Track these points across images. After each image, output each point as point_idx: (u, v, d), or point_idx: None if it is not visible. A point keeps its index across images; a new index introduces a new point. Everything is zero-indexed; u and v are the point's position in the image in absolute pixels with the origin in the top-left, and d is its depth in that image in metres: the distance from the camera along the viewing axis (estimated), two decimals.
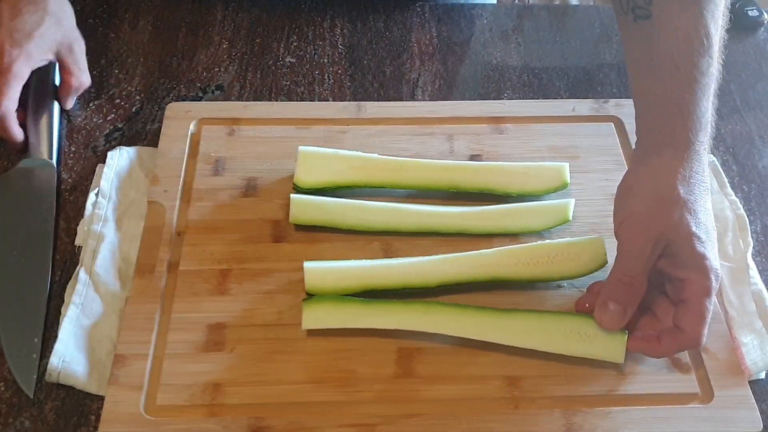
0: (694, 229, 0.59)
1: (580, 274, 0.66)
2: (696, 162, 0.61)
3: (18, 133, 0.74)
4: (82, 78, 0.80)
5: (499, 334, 0.62)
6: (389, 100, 0.85)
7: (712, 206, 0.62)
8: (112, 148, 0.77)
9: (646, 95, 0.63)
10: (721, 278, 0.59)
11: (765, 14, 0.98)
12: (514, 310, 0.63)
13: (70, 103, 0.80)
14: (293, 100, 0.85)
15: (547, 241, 0.69)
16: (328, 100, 0.85)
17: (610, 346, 0.61)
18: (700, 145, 0.62)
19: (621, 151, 0.79)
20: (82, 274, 0.66)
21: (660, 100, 0.62)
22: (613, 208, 0.63)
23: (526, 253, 0.66)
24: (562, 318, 0.62)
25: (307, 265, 0.65)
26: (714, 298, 0.59)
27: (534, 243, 0.68)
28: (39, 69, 0.77)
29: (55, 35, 0.76)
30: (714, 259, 0.59)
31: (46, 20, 0.75)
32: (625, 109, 0.82)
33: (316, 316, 0.62)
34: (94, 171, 0.75)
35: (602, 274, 0.66)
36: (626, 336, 0.61)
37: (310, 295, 0.64)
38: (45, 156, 0.75)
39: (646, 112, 0.63)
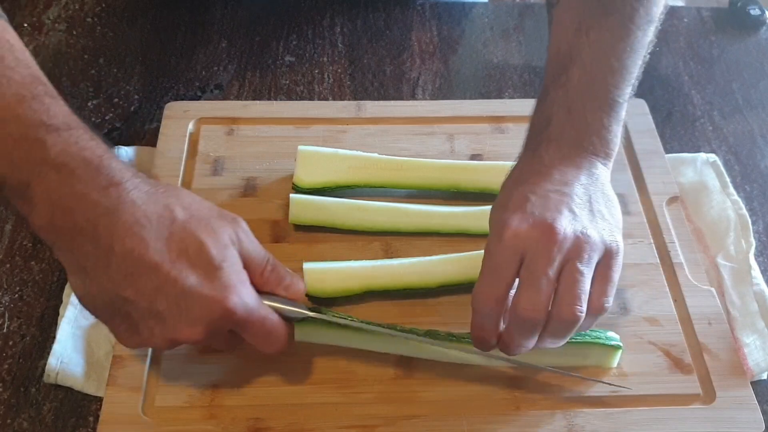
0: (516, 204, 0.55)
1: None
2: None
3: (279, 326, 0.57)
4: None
5: (495, 361, 0.61)
6: (389, 100, 0.85)
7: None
8: (111, 147, 0.76)
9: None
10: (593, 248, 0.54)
11: (767, 13, 0.97)
12: None
13: None
14: (293, 100, 0.84)
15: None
16: (327, 100, 0.85)
17: (604, 360, 0.61)
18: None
19: (623, 150, 0.78)
20: None
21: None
22: None
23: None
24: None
25: (307, 266, 0.65)
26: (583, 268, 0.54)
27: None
28: None
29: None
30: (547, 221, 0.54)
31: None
32: (627, 108, 0.82)
33: (306, 332, 0.60)
34: None
35: None
36: (620, 351, 0.61)
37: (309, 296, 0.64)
38: None
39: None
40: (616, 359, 0.61)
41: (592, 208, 0.57)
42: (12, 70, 0.49)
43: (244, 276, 0.53)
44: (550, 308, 0.53)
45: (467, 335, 0.58)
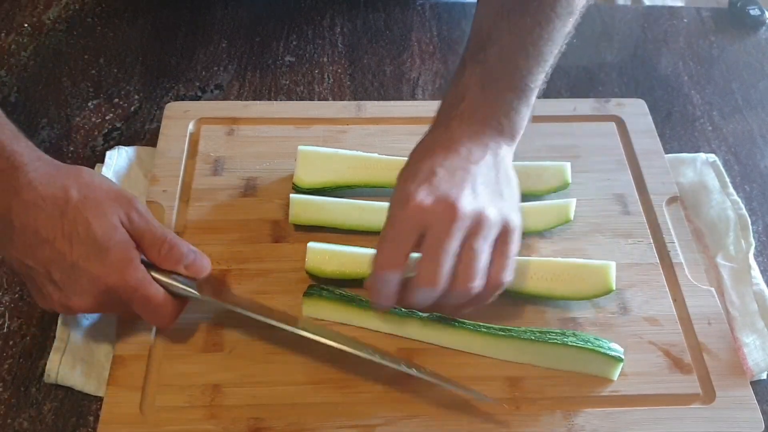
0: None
1: (582, 297, 0.65)
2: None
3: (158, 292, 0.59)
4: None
5: (494, 352, 0.62)
6: (389, 100, 0.85)
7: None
8: (111, 147, 0.76)
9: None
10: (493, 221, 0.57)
11: (766, 13, 0.97)
12: (508, 330, 0.62)
13: None
14: (293, 100, 0.84)
15: (555, 258, 0.67)
16: (327, 100, 0.85)
17: (606, 370, 0.61)
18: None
19: (622, 150, 0.79)
20: None
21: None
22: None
23: (531, 267, 0.66)
24: (557, 347, 0.61)
25: (311, 245, 0.66)
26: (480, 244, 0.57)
27: (541, 258, 0.67)
28: None
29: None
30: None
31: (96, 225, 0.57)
32: (627, 108, 0.82)
33: (316, 307, 0.63)
34: None
35: (605, 302, 0.66)
36: (622, 363, 0.60)
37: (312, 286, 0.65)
38: None
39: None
40: (617, 371, 0.61)
41: (494, 188, 0.60)
42: None
43: (132, 254, 0.57)
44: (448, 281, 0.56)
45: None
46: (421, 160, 0.60)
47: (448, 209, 0.56)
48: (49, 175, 0.56)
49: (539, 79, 0.64)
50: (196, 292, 0.59)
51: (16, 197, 0.55)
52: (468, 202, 0.56)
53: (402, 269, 0.57)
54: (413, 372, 0.59)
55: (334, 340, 0.59)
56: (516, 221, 0.59)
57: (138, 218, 0.58)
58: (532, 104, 0.64)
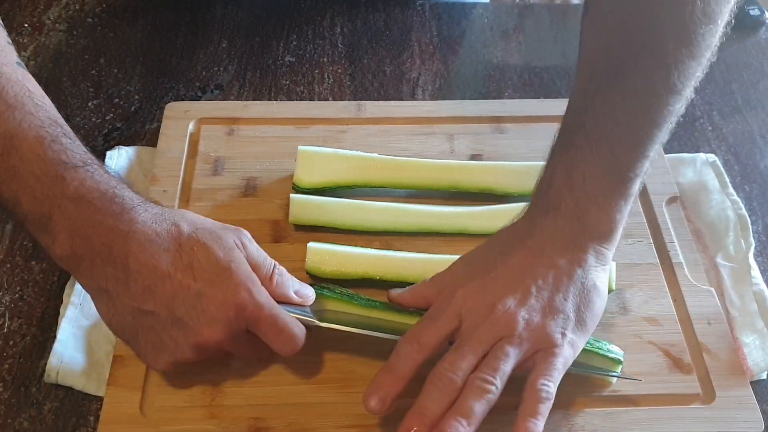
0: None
1: None
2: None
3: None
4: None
5: None
6: (389, 100, 0.85)
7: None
8: (111, 147, 0.77)
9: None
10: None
11: (766, 13, 0.97)
12: None
13: None
14: (293, 100, 0.84)
15: None
16: (327, 100, 0.85)
17: (604, 370, 0.61)
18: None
19: None
20: None
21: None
22: None
23: None
24: None
25: (311, 245, 0.66)
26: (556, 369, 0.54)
27: None
28: None
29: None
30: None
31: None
32: None
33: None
34: None
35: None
36: (620, 366, 0.60)
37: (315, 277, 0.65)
38: None
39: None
40: (616, 373, 0.61)
41: (555, 299, 0.56)
42: (33, 115, 0.54)
43: (254, 276, 0.56)
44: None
45: None
46: (491, 249, 0.59)
47: (487, 308, 0.55)
48: (156, 215, 0.55)
49: (639, 167, 0.57)
50: (315, 320, 0.58)
51: (132, 238, 0.53)
52: (511, 306, 0.55)
53: (425, 351, 0.55)
54: None
55: None
56: (566, 340, 0.55)
57: (249, 245, 0.57)
58: (632, 195, 0.58)
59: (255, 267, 0.56)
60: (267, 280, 0.57)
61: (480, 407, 0.53)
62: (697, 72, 0.55)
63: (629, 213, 0.60)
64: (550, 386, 0.54)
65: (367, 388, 0.55)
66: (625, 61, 0.55)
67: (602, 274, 0.58)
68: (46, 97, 0.56)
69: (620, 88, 0.55)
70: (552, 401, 0.54)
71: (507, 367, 0.54)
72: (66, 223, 0.53)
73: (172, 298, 0.53)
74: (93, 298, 0.55)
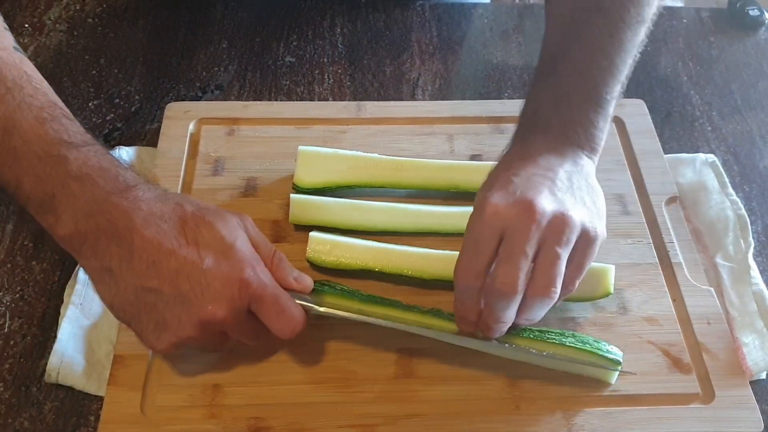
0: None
1: (581, 300, 0.65)
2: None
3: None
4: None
5: (494, 349, 0.61)
6: (389, 100, 0.85)
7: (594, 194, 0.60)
8: (112, 148, 0.77)
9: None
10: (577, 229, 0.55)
11: (766, 14, 0.98)
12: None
13: None
14: (293, 100, 0.85)
15: None
16: (327, 100, 0.85)
17: (603, 373, 0.61)
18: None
19: (622, 150, 0.79)
20: (81, 274, 0.66)
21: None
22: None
23: None
24: (555, 347, 0.60)
25: (313, 234, 0.67)
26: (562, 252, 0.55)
27: None
28: None
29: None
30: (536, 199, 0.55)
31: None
32: (627, 108, 0.82)
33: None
34: None
35: (605, 302, 0.66)
36: (619, 367, 0.60)
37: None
38: None
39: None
40: (615, 374, 0.61)
41: (575, 193, 0.58)
42: (32, 97, 0.54)
43: (257, 255, 0.56)
44: (525, 286, 0.54)
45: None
46: (497, 172, 0.59)
47: (525, 210, 0.54)
48: (160, 195, 0.56)
49: (615, 90, 0.62)
50: (314, 305, 0.58)
51: (137, 214, 0.53)
52: (546, 203, 0.54)
53: (483, 276, 0.55)
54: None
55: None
56: (597, 231, 0.56)
57: (251, 227, 0.58)
58: (610, 116, 0.63)
59: (257, 249, 0.57)
60: (269, 263, 0.57)
61: (545, 309, 0.56)
62: (657, 4, 0.64)
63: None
64: (584, 271, 0.57)
65: (456, 320, 0.58)
66: (600, 1, 0.62)
67: (595, 179, 0.62)
68: (44, 81, 0.57)
69: (599, 20, 0.62)
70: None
71: (562, 268, 0.54)
72: (70, 201, 0.53)
73: (177, 274, 0.53)
74: (94, 280, 0.55)
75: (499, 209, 0.55)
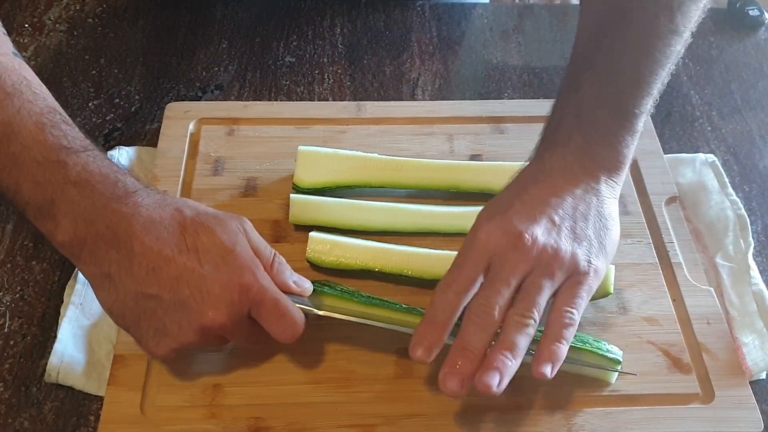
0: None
1: None
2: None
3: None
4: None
5: None
6: (389, 100, 0.85)
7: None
8: (111, 148, 0.77)
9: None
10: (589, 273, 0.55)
11: (766, 14, 0.98)
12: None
13: None
14: (293, 100, 0.85)
15: None
16: (327, 100, 0.85)
17: (602, 372, 0.61)
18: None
19: None
20: (81, 274, 0.66)
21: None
22: None
23: None
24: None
25: (313, 234, 0.67)
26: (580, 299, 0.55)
27: None
28: None
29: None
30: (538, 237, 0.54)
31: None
32: None
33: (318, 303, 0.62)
34: None
35: (605, 302, 0.66)
36: (619, 366, 0.60)
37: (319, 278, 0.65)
38: None
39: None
40: (615, 375, 0.61)
41: (576, 225, 0.57)
42: (31, 103, 0.54)
43: (257, 260, 0.56)
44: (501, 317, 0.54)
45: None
46: (506, 191, 0.59)
47: (514, 240, 0.54)
48: (159, 199, 0.55)
49: (643, 104, 0.60)
50: (313, 309, 0.58)
51: (136, 221, 0.53)
52: (538, 235, 0.54)
53: (461, 296, 0.54)
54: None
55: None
56: (593, 267, 0.56)
57: (251, 231, 0.57)
58: (638, 131, 0.60)
59: (256, 253, 0.56)
60: (268, 267, 0.57)
61: (523, 341, 0.54)
62: (696, 14, 0.59)
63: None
64: (575, 313, 0.55)
65: (412, 341, 0.55)
66: (630, 5, 0.59)
67: (614, 204, 0.60)
68: (43, 86, 0.57)
69: (627, 31, 0.59)
70: (576, 328, 0.55)
71: (543, 299, 0.54)
72: (69, 207, 0.53)
73: (177, 280, 0.53)
74: (94, 286, 0.55)
75: (491, 236, 0.55)
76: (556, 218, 0.56)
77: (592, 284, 0.57)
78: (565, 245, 0.55)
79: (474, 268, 0.55)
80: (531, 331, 0.54)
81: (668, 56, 0.60)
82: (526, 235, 0.54)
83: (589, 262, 0.56)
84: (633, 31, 0.59)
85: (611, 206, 0.60)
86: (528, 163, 0.62)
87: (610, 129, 0.60)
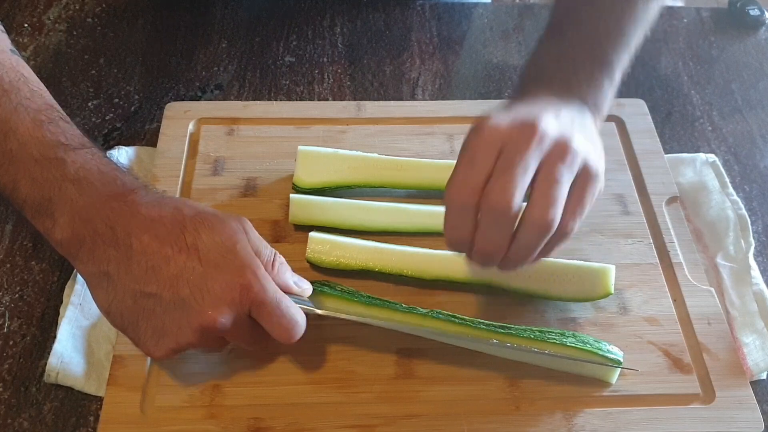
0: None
1: (581, 300, 0.65)
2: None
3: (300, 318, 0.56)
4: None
5: (494, 349, 0.61)
6: (389, 100, 0.85)
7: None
8: (111, 147, 0.77)
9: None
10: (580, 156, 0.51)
11: (766, 13, 0.97)
12: (508, 328, 0.61)
13: None
14: (293, 100, 0.84)
15: (554, 258, 0.67)
16: (327, 100, 0.85)
17: (603, 372, 0.61)
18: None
19: (622, 150, 0.79)
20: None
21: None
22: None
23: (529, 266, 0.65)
24: (555, 347, 0.60)
25: (313, 234, 0.67)
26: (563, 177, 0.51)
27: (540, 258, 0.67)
28: None
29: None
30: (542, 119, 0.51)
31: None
32: (627, 108, 0.82)
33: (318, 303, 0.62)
34: None
35: (606, 302, 0.66)
36: (620, 368, 0.60)
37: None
38: None
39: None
40: (615, 374, 0.61)
41: (576, 127, 0.54)
42: (29, 99, 0.53)
43: (257, 260, 0.55)
44: (521, 212, 0.51)
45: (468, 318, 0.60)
46: (499, 110, 0.55)
47: (527, 126, 0.50)
48: (158, 198, 0.55)
49: (622, 58, 0.60)
50: (314, 308, 0.58)
51: (135, 218, 0.52)
52: (550, 123, 0.51)
53: (478, 193, 0.50)
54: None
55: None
56: (600, 169, 0.53)
57: (251, 231, 0.56)
58: (615, 82, 0.60)
59: (256, 253, 0.56)
60: (269, 267, 0.56)
61: (542, 240, 0.52)
62: None
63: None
64: (578, 221, 0.53)
65: (448, 244, 0.54)
66: None
67: (597, 134, 0.58)
68: (41, 83, 0.56)
69: None
70: (577, 227, 0.53)
71: (562, 192, 0.51)
72: (67, 205, 0.52)
73: (176, 279, 0.52)
74: (91, 286, 0.54)
75: (499, 127, 0.51)
76: (562, 116, 0.54)
77: (597, 187, 0.53)
78: (577, 139, 0.52)
79: (485, 161, 0.51)
80: (552, 228, 0.51)
81: (647, 14, 0.62)
82: (540, 123, 0.50)
83: (597, 163, 0.53)
84: None
85: (597, 134, 0.58)
86: (511, 99, 0.60)
87: (590, 73, 0.60)
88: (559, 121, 0.52)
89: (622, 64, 0.61)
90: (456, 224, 0.53)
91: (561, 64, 0.60)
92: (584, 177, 0.52)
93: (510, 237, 0.52)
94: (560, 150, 0.51)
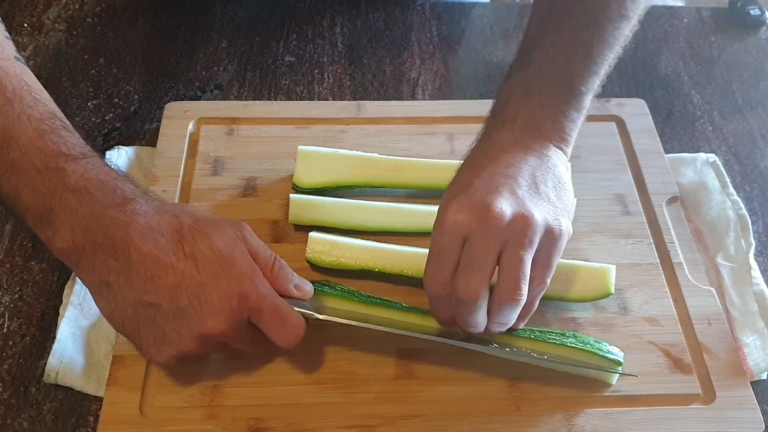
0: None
1: (581, 300, 0.65)
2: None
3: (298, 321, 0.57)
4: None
5: (494, 350, 0.61)
6: (389, 100, 0.85)
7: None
8: (111, 147, 0.76)
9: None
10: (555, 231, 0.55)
11: (766, 13, 0.97)
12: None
13: None
14: (292, 100, 0.84)
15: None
16: (327, 100, 0.85)
17: (603, 373, 0.61)
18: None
19: (623, 150, 0.79)
20: None
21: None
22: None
23: None
24: (556, 348, 0.60)
25: (313, 234, 0.67)
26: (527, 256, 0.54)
27: None
28: None
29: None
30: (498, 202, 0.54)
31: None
32: (627, 108, 0.82)
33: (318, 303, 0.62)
34: None
35: (606, 302, 0.66)
36: (620, 368, 0.60)
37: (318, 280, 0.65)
38: None
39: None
40: (615, 375, 0.61)
41: (538, 189, 0.57)
42: (31, 108, 0.54)
43: (256, 267, 0.56)
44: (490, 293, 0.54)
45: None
46: (461, 173, 0.59)
47: (483, 215, 0.53)
48: (157, 206, 0.55)
49: (590, 82, 0.61)
50: (314, 313, 0.58)
51: (134, 228, 0.53)
52: (505, 206, 0.54)
53: (449, 287, 0.55)
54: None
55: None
56: (562, 227, 0.55)
57: (250, 237, 0.57)
58: (584, 108, 0.62)
59: (256, 258, 0.56)
60: (268, 271, 0.56)
61: (515, 313, 0.56)
62: (644, 1, 0.63)
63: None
64: (547, 281, 0.56)
65: (437, 321, 0.59)
66: None
67: (565, 170, 0.60)
68: (45, 91, 0.56)
69: (580, 12, 0.61)
70: (546, 288, 0.57)
71: (526, 270, 0.54)
72: (67, 215, 0.53)
73: (175, 289, 0.53)
74: (93, 293, 0.55)
75: (458, 217, 0.54)
76: (518, 187, 0.56)
77: (563, 245, 0.56)
78: (534, 210, 0.54)
79: (451, 255, 0.54)
80: (522, 301, 0.54)
81: (617, 39, 0.62)
82: (494, 208, 0.53)
83: (558, 222, 0.56)
84: (584, 12, 0.61)
85: (563, 171, 0.60)
86: (475, 143, 0.62)
87: (557, 105, 0.61)
88: (516, 196, 0.55)
89: (590, 89, 0.62)
90: (437, 308, 0.58)
91: (527, 97, 0.60)
92: (548, 241, 0.55)
93: (485, 316, 0.56)
94: (520, 228, 0.54)
